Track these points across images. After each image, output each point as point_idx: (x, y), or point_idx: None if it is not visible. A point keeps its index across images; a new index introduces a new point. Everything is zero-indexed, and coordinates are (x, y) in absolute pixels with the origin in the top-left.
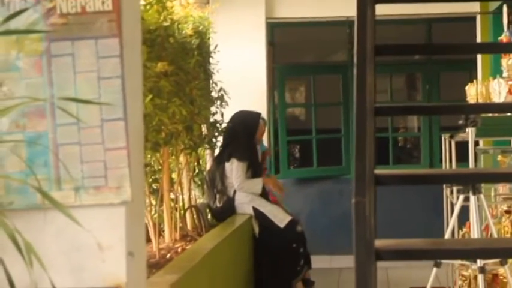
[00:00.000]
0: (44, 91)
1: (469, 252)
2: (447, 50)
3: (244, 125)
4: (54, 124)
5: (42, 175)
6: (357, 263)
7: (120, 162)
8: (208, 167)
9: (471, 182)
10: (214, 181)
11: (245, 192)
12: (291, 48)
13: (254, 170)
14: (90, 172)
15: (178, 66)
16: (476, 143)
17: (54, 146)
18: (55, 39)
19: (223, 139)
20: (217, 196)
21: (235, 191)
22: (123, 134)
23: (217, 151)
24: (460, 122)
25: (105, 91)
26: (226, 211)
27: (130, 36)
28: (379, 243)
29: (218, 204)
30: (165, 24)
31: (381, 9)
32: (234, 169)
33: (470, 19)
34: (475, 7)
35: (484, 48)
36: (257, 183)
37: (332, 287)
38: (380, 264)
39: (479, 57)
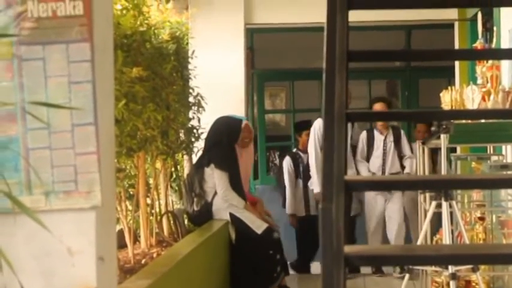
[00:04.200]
0: (14, 95)
1: (439, 258)
2: (419, 56)
3: (226, 131)
4: (25, 128)
5: (12, 179)
6: (323, 269)
7: (90, 167)
8: (186, 172)
9: (441, 188)
10: (193, 185)
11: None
12: (270, 54)
13: (233, 179)
14: (60, 177)
15: (154, 71)
16: (454, 150)
17: (25, 151)
18: (26, 43)
19: (205, 143)
20: (195, 200)
21: (213, 196)
22: (93, 138)
23: (195, 156)
24: (433, 128)
25: (76, 95)
26: (203, 215)
27: (102, 41)
28: (349, 249)
29: (195, 208)
30: (142, 29)
31: (359, 16)
32: (217, 178)
33: (448, 26)
34: (453, 14)
35: (453, 54)
36: (239, 203)
37: None
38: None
39: (457, 64)
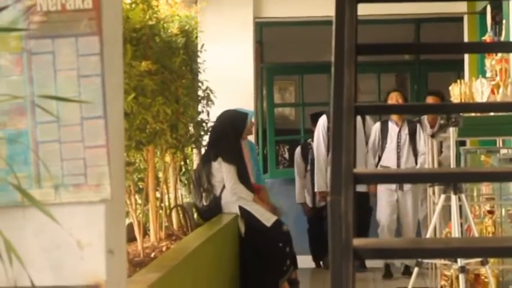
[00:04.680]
0: (24, 89)
1: (448, 251)
2: (427, 49)
3: (232, 125)
4: (34, 122)
5: (22, 173)
6: (332, 262)
7: (99, 160)
8: (195, 166)
9: (450, 181)
10: (201, 180)
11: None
12: (279, 48)
13: (240, 172)
14: (70, 170)
15: (163, 65)
16: (463, 143)
17: (34, 144)
18: (35, 37)
19: (210, 137)
20: (204, 195)
21: (221, 190)
22: (103, 132)
23: (203, 150)
24: (442, 121)
25: (85, 89)
26: (212, 210)
27: (111, 35)
28: (357, 241)
29: (204, 203)
30: (151, 23)
31: (368, 9)
32: (225, 171)
33: (457, 19)
34: (463, 7)
35: (462, 48)
36: (248, 195)
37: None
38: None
39: (466, 57)
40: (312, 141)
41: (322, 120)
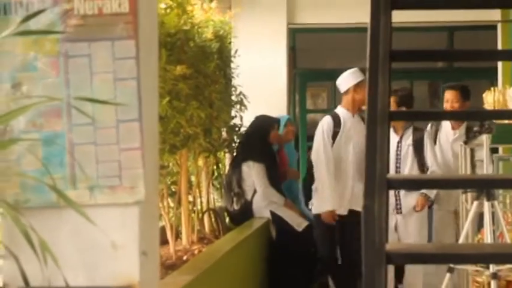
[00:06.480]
0: (60, 91)
1: (480, 256)
2: (462, 56)
3: (257, 128)
4: (70, 124)
5: (57, 174)
6: (365, 266)
7: (134, 163)
8: (227, 170)
9: (483, 187)
10: (231, 184)
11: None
12: (312, 54)
13: (271, 172)
14: (105, 172)
15: (197, 69)
16: (496, 150)
17: (70, 146)
18: (72, 40)
19: (240, 142)
20: (235, 199)
21: (253, 195)
22: (138, 134)
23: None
24: (475, 128)
25: (121, 92)
26: (243, 214)
27: (147, 39)
28: (390, 246)
29: (235, 207)
30: (185, 28)
31: (402, 17)
32: (255, 173)
33: (491, 27)
34: (496, 15)
35: (500, 55)
36: (280, 200)
37: None
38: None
39: (499, 65)
40: None
41: (326, 124)
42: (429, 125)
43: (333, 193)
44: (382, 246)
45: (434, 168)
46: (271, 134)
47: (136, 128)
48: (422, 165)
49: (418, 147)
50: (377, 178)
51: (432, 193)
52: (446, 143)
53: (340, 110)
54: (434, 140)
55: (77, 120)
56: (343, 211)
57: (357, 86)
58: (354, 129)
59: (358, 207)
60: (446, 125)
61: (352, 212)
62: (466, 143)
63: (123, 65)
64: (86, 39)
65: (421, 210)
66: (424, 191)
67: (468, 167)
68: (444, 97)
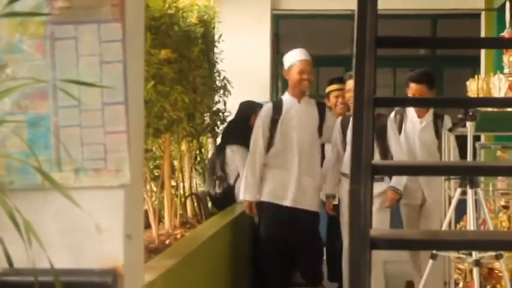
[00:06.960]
0: (46, 73)
1: (463, 243)
2: (448, 44)
3: (241, 113)
4: (55, 106)
5: (42, 156)
6: (351, 250)
7: (120, 146)
8: (210, 155)
9: (466, 175)
10: (215, 168)
11: None
12: (295, 40)
13: None
14: (90, 154)
15: (181, 54)
16: (478, 138)
17: (55, 128)
18: (58, 22)
19: (224, 127)
20: (217, 182)
21: (236, 179)
22: (123, 117)
23: (219, 139)
24: (459, 116)
25: (106, 75)
26: (226, 199)
27: (133, 22)
28: (374, 232)
29: (218, 191)
30: (170, 12)
31: (386, 4)
32: (238, 158)
33: (475, 16)
34: (480, 4)
35: (483, 43)
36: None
37: None
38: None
39: (482, 53)
40: None
41: (264, 111)
42: (393, 113)
43: (255, 185)
44: (366, 231)
45: (400, 156)
46: (251, 118)
47: (122, 111)
48: (385, 152)
49: (381, 134)
50: (363, 162)
51: (401, 186)
52: (413, 132)
53: (285, 97)
54: (400, 129)
55: (62, 102)
56: (288, 203)
57: (292, 67)
58: (298, 117)
59: (306, 205)
60: (411, 114)
61: (301, 211)
62: (450, 130)
63: (109, 48)
64: (72, 22)
65: (391, 206)
66: (393, 184)
67: (452, 155)
68: (409, 88)
